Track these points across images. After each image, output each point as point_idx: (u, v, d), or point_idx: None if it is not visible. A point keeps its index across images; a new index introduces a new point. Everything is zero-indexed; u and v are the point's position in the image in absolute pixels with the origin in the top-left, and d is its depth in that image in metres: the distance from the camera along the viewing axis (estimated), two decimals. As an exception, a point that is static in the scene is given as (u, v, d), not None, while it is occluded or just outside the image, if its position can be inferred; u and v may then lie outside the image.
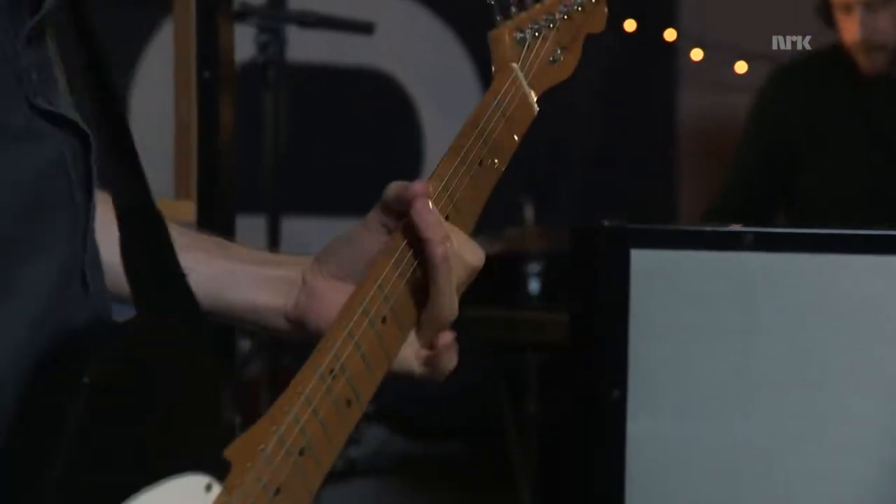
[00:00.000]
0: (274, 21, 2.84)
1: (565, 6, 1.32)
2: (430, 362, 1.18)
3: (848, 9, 2.89)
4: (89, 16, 1.04)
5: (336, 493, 3.59)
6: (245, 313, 1.22)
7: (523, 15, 1.30)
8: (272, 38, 2.82)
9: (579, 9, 1.33)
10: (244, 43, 2.80)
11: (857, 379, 1.65)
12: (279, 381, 3.21)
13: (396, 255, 1.14)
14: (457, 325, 1.19)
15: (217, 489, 0.96)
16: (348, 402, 1.07)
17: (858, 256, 1.65)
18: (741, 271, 1.67)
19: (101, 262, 1.07)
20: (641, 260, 1.69)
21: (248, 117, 2.68)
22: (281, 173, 3.07)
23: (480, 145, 1.24)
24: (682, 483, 1.68)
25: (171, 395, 0.97)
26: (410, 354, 1.17)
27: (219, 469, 0.97)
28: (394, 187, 1.17)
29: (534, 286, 3.76)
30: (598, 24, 1.37)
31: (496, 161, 1.26)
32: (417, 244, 1.14)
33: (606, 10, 1.38)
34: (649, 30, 4.41)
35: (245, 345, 3.45)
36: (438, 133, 4.22)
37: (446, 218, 1.18)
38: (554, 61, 1.31)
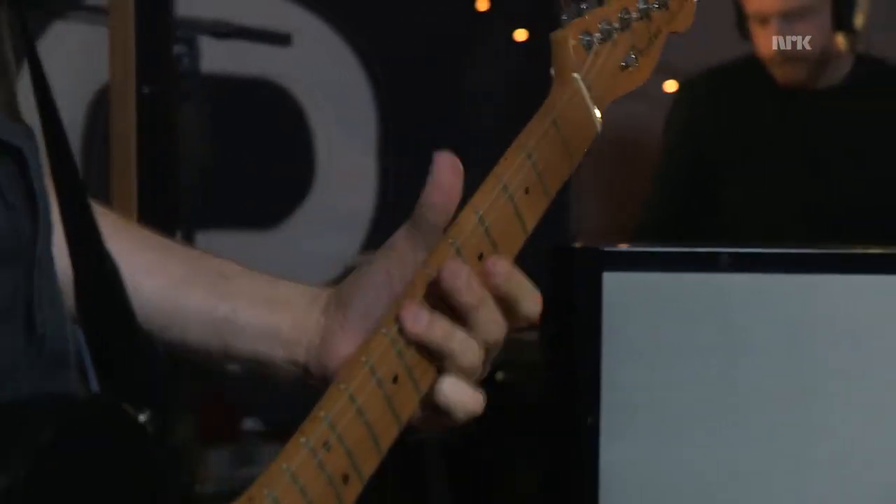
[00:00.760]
0: (189, 32, 2.74)
1: (645, 3, 1.13)
2: (435, 421, 1.00)
3: (764, 20, 2.87)
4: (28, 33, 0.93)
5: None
6: (256, 366, 1.07)
7: (594, 13, 1.10)
8: (186, 50, 2.71)
9: (661, 7, 1.13)
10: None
11: (836, 400, 1.64)
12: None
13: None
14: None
15: None
16: (345, 479, 0.91)
17: (835, 276, 1.63)
18: (717, 293, 1.65)
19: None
20: (615, 282, 1.65)
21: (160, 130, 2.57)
22: (195, 187, 2.98)
23: (528, 170, 1.05)
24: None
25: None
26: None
27: None
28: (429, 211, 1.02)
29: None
30: (684, 22, 1.17)
31: (546, 187, 1.06)
32: (441, 293, 0.96)
33: (694, 5, 1.17)
34: (540, 39, 4.39)
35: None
36: (331, 145, 4.16)
37: (480, 257, 0.99)
38: (626, 66, 1.12)
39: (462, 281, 0.95)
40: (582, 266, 1.64)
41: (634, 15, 1.12)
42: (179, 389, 0.90)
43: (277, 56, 3.75)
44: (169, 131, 1.83)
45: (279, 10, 3.91)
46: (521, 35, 4.34)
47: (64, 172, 0.92)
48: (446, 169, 1.04)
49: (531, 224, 1.05)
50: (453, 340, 0.96)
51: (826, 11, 2.86)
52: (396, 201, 4.27)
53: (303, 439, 0.89)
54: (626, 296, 1.64)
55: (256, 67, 3.95)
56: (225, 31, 2.88)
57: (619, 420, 1.64)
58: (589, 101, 1.10)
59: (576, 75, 1.09)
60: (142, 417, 0.85)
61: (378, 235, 4.26)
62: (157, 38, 1.80)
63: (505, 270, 0.98)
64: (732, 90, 3.06)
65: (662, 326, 1.65)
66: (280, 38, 3.04)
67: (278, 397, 1.71)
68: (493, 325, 0.97)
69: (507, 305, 0.98)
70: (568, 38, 1.09)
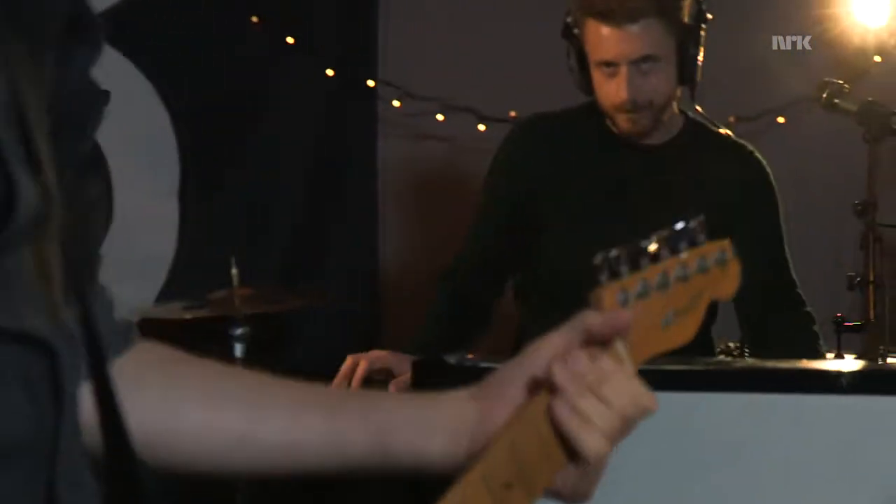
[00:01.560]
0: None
1: (684, 268, 1.17)
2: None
3: (609, 67, 2.81)
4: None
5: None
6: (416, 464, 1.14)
7: (633, 276, 1.15)
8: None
9: (701, 272, 1.18)
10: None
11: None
12: None
13: (529, 408, 1.08)
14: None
15: None
16: None
17: (721, 395, 1.55)
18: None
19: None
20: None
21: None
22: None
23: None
24: None
25: None
26: None
27: None
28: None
29: (238, 349, 3.57)
30: (727, 289, 1.21)
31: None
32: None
33: (739, 273, 1.21)
34: (350, 77, 4.29)
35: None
36: (131, 188, 3.95)
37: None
38: (666, 325, 1.16)
39: None
40: (456, 384, 1.52)
41: (673, 278, 1.16)
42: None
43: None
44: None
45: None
46: (329, 74, 4.23)
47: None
48: (623, 322, 1.13)
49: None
50: None
51: (672, 61, 2.83)
52: (195, 246, 4.09)
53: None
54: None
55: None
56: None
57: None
58: (628, 361, 1.13)
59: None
60: None
61: (177, 281, 4.06)
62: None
63: None
64: (561, 137, 2.99)
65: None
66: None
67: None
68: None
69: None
70: (604, 297, 1.13)
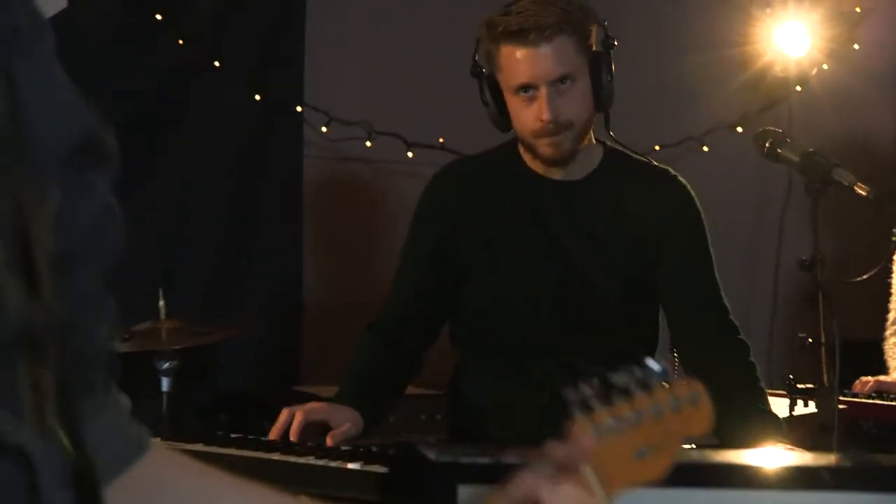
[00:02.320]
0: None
1: (657, 405, 1.20)
2: None
3: (527, 92, 2.79)
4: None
5: None
6: None
7: (605, 410, 1.18)
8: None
9: (673, 411, 1.20)
10: None
11: None
12: None
13: None
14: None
15: None
16: None
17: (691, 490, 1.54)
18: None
19: None
20: (470, 497, 1.50)
21: None
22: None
23: None
24: None
25: None
26: None
27: None
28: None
29: (165, 383, 3.50)
30: (700, 426, 1.23)
31: None
32: None
33: (712, 412, 1.23)
34: (276, 102, 4.24)
35: None
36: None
37: None
38: (640, 457, 1.18)
39: None
40: (434, 480, 1.50)
41: (646, 415, 1.19)
42: None
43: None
44: None
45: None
46: (255, 98, 4.18)
47: None
48: (587, 446, 1.17)
49: None
50: None
51: (587, 83, 2.81)
52: (114, 275, 4.00)
53: None
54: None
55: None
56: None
57: None
58: (600, 491, 1.16)
59: (586, 468, 1.15)
60: None
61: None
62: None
63: None
64: (475, 181, 2.96)
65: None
66: None
67: None
68: None
69: None
70: (576, 430, 1.16)
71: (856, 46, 5.03)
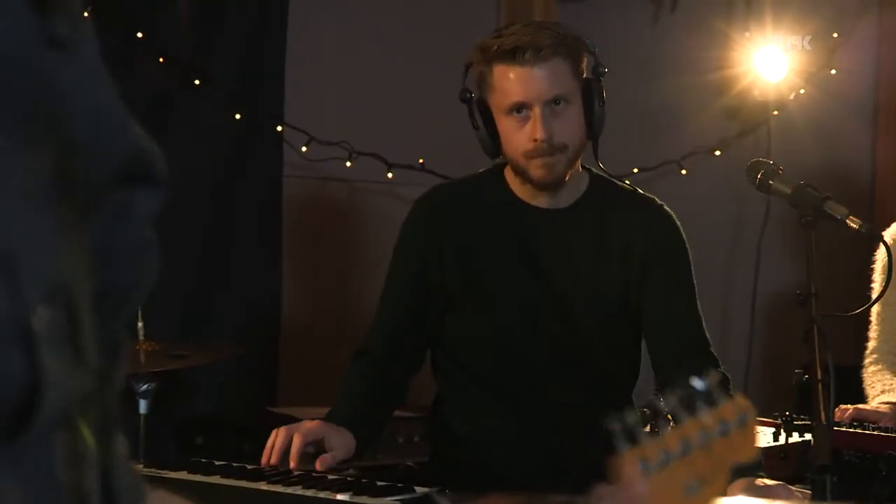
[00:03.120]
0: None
1: (705, 432, 1.10)
2: None
3: (520, 112, 2.78)
4: None
5: None
6: None
7: (653, 442, 1.07)
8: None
9: (721, 436, 1.12)
10: None
11: None
12: None
13: None
14: None
15: None
16: None
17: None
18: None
19: None
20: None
21: None
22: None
23: None
24: None
25: None
26: None
27: None
28: None
29: (143, 405, 3.46)
30: (746, 451, 1.15)
31: None
32: None
33: (756, 432, 1.16)
34: (257, 121, 4.22)
35: None
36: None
37: None
38: (688, 492, 1.09)
39: None
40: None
41: (694, 444, 1.09)
42: None
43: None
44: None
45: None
46: (236, 117, 4.15)
47: None
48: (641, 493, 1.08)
49: None
50: None
51: (580, 108, 2.81)
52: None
53: None
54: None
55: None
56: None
57: None
58: None
59: None
60: None
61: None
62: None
63: None
64: (459, 207, 2.94)
65: None
66: None
67: None
68: None
69: None
70: (625, 465, 1.06)
71: (833, 71, 5.06)
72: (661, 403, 1.12)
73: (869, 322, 3.72)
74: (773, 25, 4.94)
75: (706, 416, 1.12)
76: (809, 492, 2.34)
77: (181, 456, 3.61)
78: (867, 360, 3.68)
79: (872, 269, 3.65)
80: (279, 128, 4.29)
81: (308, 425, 2.69)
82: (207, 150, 4.15)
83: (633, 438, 1.07)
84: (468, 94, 2.86)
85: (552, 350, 2.86)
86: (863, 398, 3.64)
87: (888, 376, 3.62)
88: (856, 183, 5.18)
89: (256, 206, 4.27)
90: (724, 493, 1.14)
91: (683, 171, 4.93)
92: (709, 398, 1.13)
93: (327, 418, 2.77)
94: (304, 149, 4.32)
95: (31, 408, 0.86)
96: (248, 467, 2.60)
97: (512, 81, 2.75)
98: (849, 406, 3.46)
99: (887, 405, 3.49)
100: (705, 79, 4.93)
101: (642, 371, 2.96)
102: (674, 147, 4.91)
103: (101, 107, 0.96)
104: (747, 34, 4.96)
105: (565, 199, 2.89)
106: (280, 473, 2.55)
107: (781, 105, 5.03)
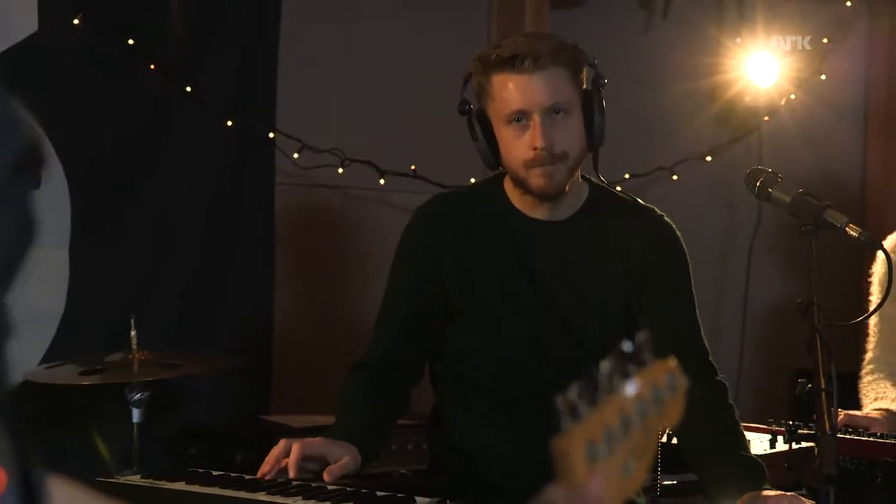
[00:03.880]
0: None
1: (642, 402, 1.10)
2: None
3: (520, 121, 2.77)
4: None
5: None
6: None
7: (594, 417, 1.06)
8: None
9: (656, 407, 1.12)
10: None
11: None
12: None
13: None
14: None
15: None
16: None
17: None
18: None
19: None
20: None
21: None
22: None
23: None
24: None
25: None
26: None
27: None
28: None
29: (136, 414, 3.45)
30: (673, 416, 1.15)
31: None
32: None
33: (684, 396, 1.15)
34: (248, 129, 4.20)
35: None
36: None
37: None
38: (626, 472, 1.09)
39: None
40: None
41: (634, 416, 1.09)
42: None
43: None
44: None
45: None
46: (227, 124, 4.14)
47: None
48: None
49: None
50: None
51: (580, 118, 2.80)
52: (86, 303, 3.95)
53: None
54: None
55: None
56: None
57: None
58: None
59: None
60: None
61: (65, 339, 3.90)
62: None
63: None
64: (458, 218, 2.93)
65: None
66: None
67: None
68: None
69: None
70: (571, 448, 1.04)
71: (823, 77, 5.07)
72: (595, 373, 1.12)
73: (866, 332, 3.71)
74: (764, 32, 4.95)
75: (641, 384, 1.12)
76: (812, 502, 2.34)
77: (174, 465, 3.59)
78: (864, 370, 3.68)
79: (866, 278, 3.65)
80: (271, 135, 4.28)
81: (309, 441, 2.66)
82: (199, 158, 4.13)
83: (575, 413, 1.06)
84: (467, 106, 2.85)
85: (552, 360, 2.85)
86: (857, 406, 3.64)
87: (883, 385, 3.62)
88: (846, 188, 5.19)
89: (248, 214, 4.26)
90: (650, 461, 1.14)
91: (675, 177, 4.93)
92: (639, 360, 1.14)
93: (331, 434, 2.74)
94: (295, 156, 4.31)
95: None
96: (247, 478, 2.59)
97: (511, 90, 2.75)
98: (840, 411, 3.46)
99: (879, 412, 3.50)
100: (696, 85, 4.94)
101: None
102: (665, 153, 4.92)
103: None
104: (738, 40, 4.97)
105: (565, 210, 2.88)
106: (279, 484, 2.54)
107: (772, 111, 5.04)
